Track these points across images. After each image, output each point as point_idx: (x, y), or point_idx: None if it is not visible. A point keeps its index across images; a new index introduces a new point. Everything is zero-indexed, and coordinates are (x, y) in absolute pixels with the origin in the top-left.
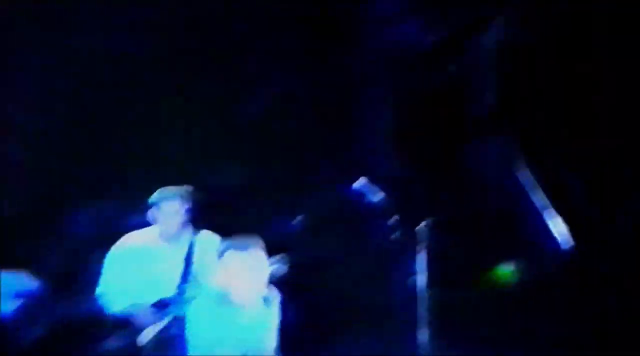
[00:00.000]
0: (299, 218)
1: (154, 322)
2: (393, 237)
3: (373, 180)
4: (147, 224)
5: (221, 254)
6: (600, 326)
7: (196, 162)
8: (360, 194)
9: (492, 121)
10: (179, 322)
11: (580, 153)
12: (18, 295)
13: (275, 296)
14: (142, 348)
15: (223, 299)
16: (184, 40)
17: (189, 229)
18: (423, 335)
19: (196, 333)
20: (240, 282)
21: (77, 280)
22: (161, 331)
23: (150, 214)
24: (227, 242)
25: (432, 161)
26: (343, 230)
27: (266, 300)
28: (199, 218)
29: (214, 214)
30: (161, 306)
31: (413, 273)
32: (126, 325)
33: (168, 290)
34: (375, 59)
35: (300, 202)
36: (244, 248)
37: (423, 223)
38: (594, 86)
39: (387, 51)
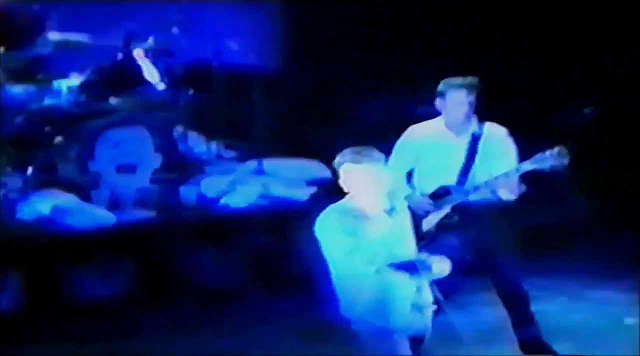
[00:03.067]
0: (588, 109)
1: (435, 210)
2: None
3: None
4: (436, 114)
5: (338, 166)
6: None
7: (482, 53)
8: None
9: None
10: (459, 211)
11: None
12: (310, 183)
13: (403, 206)
14: (425, 234)
15: (349, 209)
16: None
17: (475, 120)
18: None
19: (331, 242)
20: (361, 193)
21: None
22: (443, 219)
23: (438, 103)
24: (343, 155)
25: None
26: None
27: (391, 210)
28: (486, 110)
29: (500, 106)
30: (442, 194)
31: None
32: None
33: (450, 180)
34: None
35: (589, 92)
36: (357, 160)
37: None
38: None
39: None
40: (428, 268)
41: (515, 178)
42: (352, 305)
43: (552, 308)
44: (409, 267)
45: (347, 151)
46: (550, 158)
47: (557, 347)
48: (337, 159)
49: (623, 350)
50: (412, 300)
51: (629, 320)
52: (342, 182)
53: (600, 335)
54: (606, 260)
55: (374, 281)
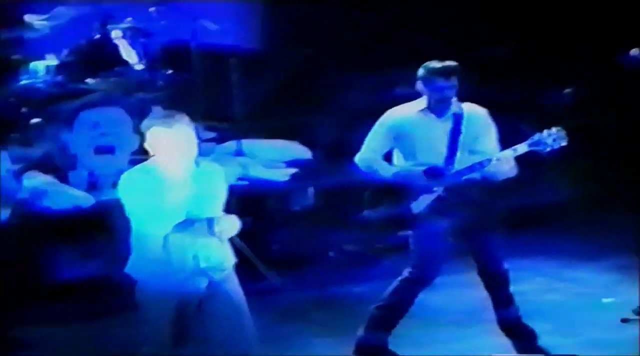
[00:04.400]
0: (568, 89)
1: (426, 190)
2: None
3: None
4: (417, 96)
5: (146, 129)
6: None
7: (463, 35)
8: (635, 63)
9: None
10: (451, 192)
11: None
12: (289, 164)
13: (218, 169)
14: (416, 216)
15: (152, 170)
16: None
17: (456, 102)
18: None
19: (130, 202)
20: (166, 157)
21: (346, 149)
22: (435, 200)
23: (418, 87)
24: (152, 118)
25: None
26: (616, 100)
27: (197, 174)
28: (465, 92)
29: (479, 88)
30: (433, 175)
31: None
32: (398, 191)
33: (433, 161)
34: None
35: (569, 72)
36: (168, 124)
37: None
38: None
39: None
40: (221, 226)
41: (511, 159)
42: (139, 264)
43: (530, 288)
44: (200, 226)
45: (157, 114)
46: (549, 139)
47: (535, 327)
48: (146, 122)
49: (601, 330)
50: (198, 264)
51: (607, 300)
52: (148, 145)
53: (578, 315)
54: (584, 240)
55: (160, 242)
